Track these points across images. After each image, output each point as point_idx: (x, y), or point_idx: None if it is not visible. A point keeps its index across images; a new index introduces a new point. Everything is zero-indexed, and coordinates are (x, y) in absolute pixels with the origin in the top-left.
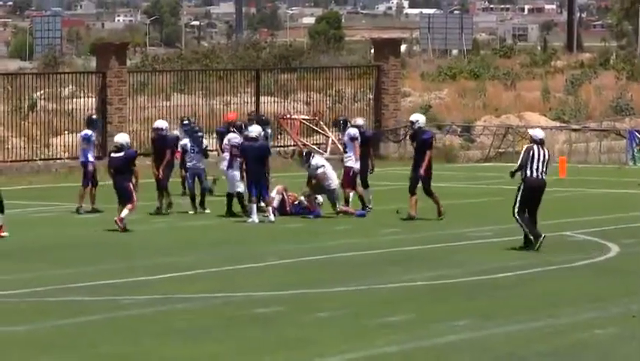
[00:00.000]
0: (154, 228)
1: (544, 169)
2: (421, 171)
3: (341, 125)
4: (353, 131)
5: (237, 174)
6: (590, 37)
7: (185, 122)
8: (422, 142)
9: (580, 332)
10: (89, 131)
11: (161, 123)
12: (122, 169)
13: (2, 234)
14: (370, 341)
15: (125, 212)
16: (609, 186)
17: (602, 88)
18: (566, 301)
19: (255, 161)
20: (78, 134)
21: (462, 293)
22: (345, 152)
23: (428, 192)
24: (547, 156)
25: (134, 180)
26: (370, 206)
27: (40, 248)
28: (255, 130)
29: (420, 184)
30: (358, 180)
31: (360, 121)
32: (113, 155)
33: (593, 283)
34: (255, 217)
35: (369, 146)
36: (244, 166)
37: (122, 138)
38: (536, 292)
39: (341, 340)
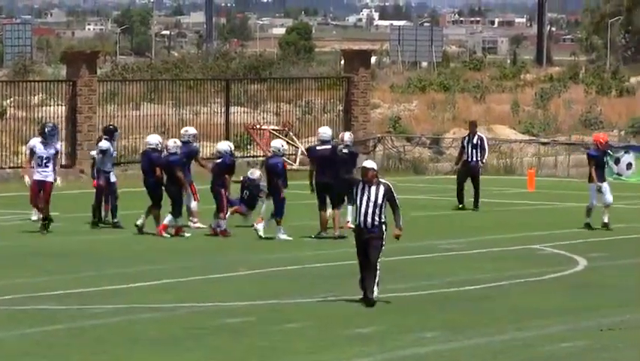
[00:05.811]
0: (123, 237)
1: (372, 216)
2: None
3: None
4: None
5: None
6: (560, 51)
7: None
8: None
9: (548, 345)
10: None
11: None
12: (218, 175)
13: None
14: (340, 353)
15: (222, 221)
16: (578, 200)
17: (572, 102)
18: (534, 314)
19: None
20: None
21: (431, 306)
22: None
23: None
24: (378, 198)
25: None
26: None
27: (10, 256)
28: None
29: None
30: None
31: (277, 144)
32: (217, 161)
33: (562, 296)
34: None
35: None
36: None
37: (222, 145)
38: (505, 305)
39: (310, 351)
